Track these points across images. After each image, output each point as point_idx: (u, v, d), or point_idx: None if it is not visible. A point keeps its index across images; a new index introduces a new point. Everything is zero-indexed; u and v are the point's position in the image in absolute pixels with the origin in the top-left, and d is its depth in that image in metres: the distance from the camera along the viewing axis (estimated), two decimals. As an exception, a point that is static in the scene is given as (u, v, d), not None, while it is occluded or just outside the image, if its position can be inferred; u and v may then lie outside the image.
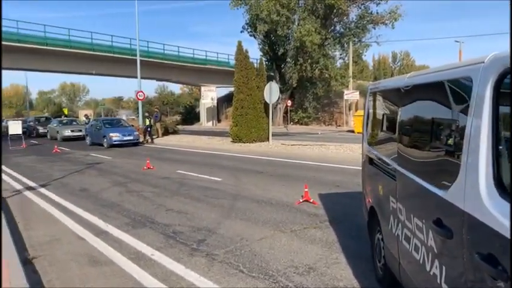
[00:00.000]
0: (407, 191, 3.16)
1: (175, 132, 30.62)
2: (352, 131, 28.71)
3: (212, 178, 10.90)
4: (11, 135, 22.86)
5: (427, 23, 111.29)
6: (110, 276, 4.56)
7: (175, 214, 7.27)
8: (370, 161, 4.53)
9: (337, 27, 39.99)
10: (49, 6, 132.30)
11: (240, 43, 20.64)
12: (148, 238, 5.89)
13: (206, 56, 47.82)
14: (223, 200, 8.30)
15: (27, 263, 4.90)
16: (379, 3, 37.54)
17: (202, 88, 51.27)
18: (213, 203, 8.08)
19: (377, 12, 38.05)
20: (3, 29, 31.81)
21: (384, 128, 4.07)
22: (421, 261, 2.74)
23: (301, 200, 7.74)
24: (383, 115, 4.19)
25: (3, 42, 31.07)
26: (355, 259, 4.84)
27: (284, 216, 6.87)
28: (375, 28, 38.73)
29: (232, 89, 22.43)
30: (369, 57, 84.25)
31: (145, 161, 13.62)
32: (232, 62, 23.96)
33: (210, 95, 50.63)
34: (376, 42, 39.53)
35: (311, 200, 7.70)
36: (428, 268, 2.59)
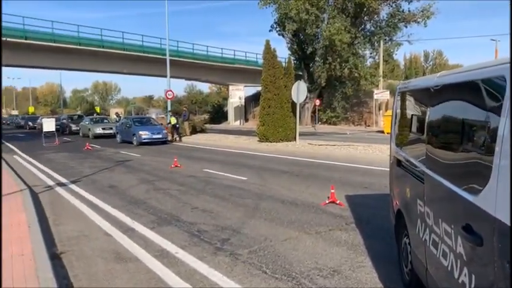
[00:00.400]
0: (435, 194, 3.05)
1: (203, 131, 30.89)
2: (382, 132, 28.22)
3: (238, 177, 10.91)
4: (45, 132, 23.57)
5: (461, 21, 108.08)
6: (135, 273, 4.61)
7: (200, 212, 7.30)
8: (398, 162, 4.41)
9: (368, 26, 39.48)
10: (82, 7, 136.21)
11: (268, 42, 20.59)
12: (173, 236, 5.93)
13: (234, 55, 48.04)
14: (248, 199, 8.29)
15: (55, 257, 5.01)
16: (411, 1, 36.77)
17: (230, 87, 51.58)
18: (238, 202, 8.07)
19: (409, 11, 37.29)
20: (42, 29, 32.98)
21: (412, 129, 3.94)
22: (449, 268, 2.63)
23: (327, 201, 7.63)
24: (411, 115, 4.06)
25: (42, 42, 32.16)
26: (381, 263, 4.72)
27: (309, 217, 6.78)
28: (406, 27, 38.01)
29: (260, 88, 22.41)
30: (400, 56, 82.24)
31: (173, 159, 13.77)
32: (261, 61, 24.03)
33: (237, 94, 50.91)
34: (408, 41, 38.82)
35: (337, 201, 7.58)
36: (456, 275, 2.49)
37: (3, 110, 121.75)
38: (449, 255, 2.62)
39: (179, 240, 5.71)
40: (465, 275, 2.35)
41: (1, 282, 3.59)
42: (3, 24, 30.75)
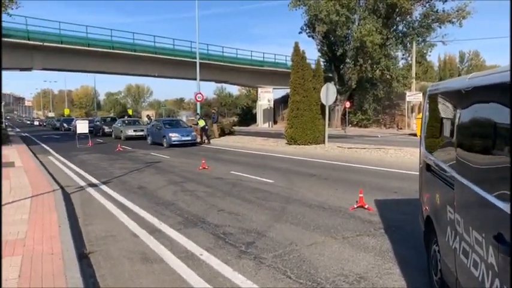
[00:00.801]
0: (465, 201, 2.92)
1: (231, 133, 31.02)
2: (414, 135, 27.54)
3: (264, 180, 10.87)
4: (78, 134, 24.23)
5: (499, 21, 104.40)
6: (159, 274, 4.64)
7: (226, 215, 7.30)
8: (428, 167, 4.26)
9: (400, 27, 38.78)
10: (116, 12, 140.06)
11: (296, 44, 20.49)
12: (198, 238, 5.94)
13: (263, 57, 48.18)
14: (275, 202, 8.23)
15: (83, 257, 5.11)
16: (446, 1, 35.82)
17: (259, 90, 51.68)
18: (264, 205, 8.03)
19: (443, 11, 36.35)
20: (77, 34, 33.97)
21: (442, 133, 3.79)
22: (480, 279, 2.51)
23: (355, 206, 7.48)
24: (441, 118, 3.92)
25: (77, 46, 33.15)
26: (410, 270, 4.58)
27: (336, 222, 6.67)
28: (440, 27, 37.08)
29: (289, 90, 22.35)
30: (434, 57, 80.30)
31: (201, 161, 13.88)
32: (290, 63, 24.01)
33: (266, 96, 50.94)
34: (442, 42, 37.84)
35: (366, 206, 7.42)
36: (487, 287, 2.36)
37: (40, 112, 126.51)
38: (480, 265, 2.50)
39: (204, 242, 5.72)
40: (497, 287, 2.23)
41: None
42: (41, 29, 32.02)
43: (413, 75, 36.92)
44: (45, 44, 31.56)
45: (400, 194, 8.78)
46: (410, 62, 38.58)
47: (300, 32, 41.18)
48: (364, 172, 12.07)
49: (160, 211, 7.67)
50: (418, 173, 5.11)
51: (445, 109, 3.87)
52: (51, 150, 21.49)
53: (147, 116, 45.97)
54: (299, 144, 19.82)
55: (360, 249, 5.36)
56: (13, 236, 5.61)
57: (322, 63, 26.48)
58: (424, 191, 4.57)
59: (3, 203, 7.63)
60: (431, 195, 4.05)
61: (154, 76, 43.07)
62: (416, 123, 29.28)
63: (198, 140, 24.58)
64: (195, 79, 30.29)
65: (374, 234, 5.98)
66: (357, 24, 36.09)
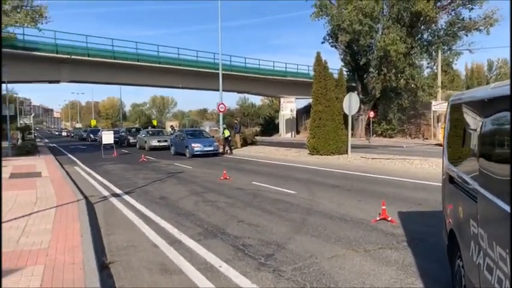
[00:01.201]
0: (489, 214, 2.80)
1: (253, 143, 31.05)
2: (440, 145, 26.97)
3: (286, 191, 10.80)
4: (104, 144, 24.69)
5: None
6: (178, 286, 4.63)
7: (246, 226, 7.26)
8: (450, 179, 4.13)
9: (425, 35, 38.24)
10: (140, 25, 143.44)
11: (318, 54, 20.43)
12: (217, 249, 5.92)
13: (286, 67, 48.30)
14: (296, 213, 8.15)
15: (104, 267, 5.16)
16: (472, 9, 35.16)
17: (282, 100, 51.71)
18: (285, 216, 7.95)
19: (469, 18, 35.67)
20: (104, 46, 34.81)
21: (465, 143, 3.68)
22: (505, 297, 2.39)
23: (378, 218, 7.33)
24: (464, 129, 3.81)
25: (103, 59, 33.93)
26: (433, 285, 4.44)
27: (358, 234, 6.54)
28: (467, 35, 36.40)
29: (311, 100, 22.27)
30: (461, 65, 78.68)
31: (223, 171, 13.91)
32: (312, 73, 23.96)
33: (289, 106, 50.94)
34: (469, 50, 37.11)
35: (389, 218, 7.26)
36: (513, 306, 2.25)
37: (68, 123, 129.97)
38: (505, 283, 2.39)
39: (223, 254, 5.69)
40: (522, 306, 2.12)
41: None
42: (69, 42, 32.93)
43: (439, 84, 36.29)
44: (72, 56, 32.45)
45: (425, 205, 8.57)
46: (435, 70, 37.97)
47: (322, 42, 41.17)
48: (388, 183, 11.85)
49: (181, 222, 7.70)
50: (442, 185, 4.98)
51: (468, 119, 3.76)
52: (77, 160, 21.97)
53: (171, 126, 46.55)
54: (321, 155, 19.65)
55: (382, 262, 5.23)
56: (37, 246, 5.71)
57: (345, 73, 26.27)
58: (447, 204, 4.43)
59: (25, 213, 7.83)
60: (454, 208, 3.92)
61: (178, 87, 43.67)
62: (442, 133, 28.73)
63: (221, 150, 24.71)
64: (218, 90, 30.57)
65: (397, 247, 5.83)
66: (380, 33, 35.82)
